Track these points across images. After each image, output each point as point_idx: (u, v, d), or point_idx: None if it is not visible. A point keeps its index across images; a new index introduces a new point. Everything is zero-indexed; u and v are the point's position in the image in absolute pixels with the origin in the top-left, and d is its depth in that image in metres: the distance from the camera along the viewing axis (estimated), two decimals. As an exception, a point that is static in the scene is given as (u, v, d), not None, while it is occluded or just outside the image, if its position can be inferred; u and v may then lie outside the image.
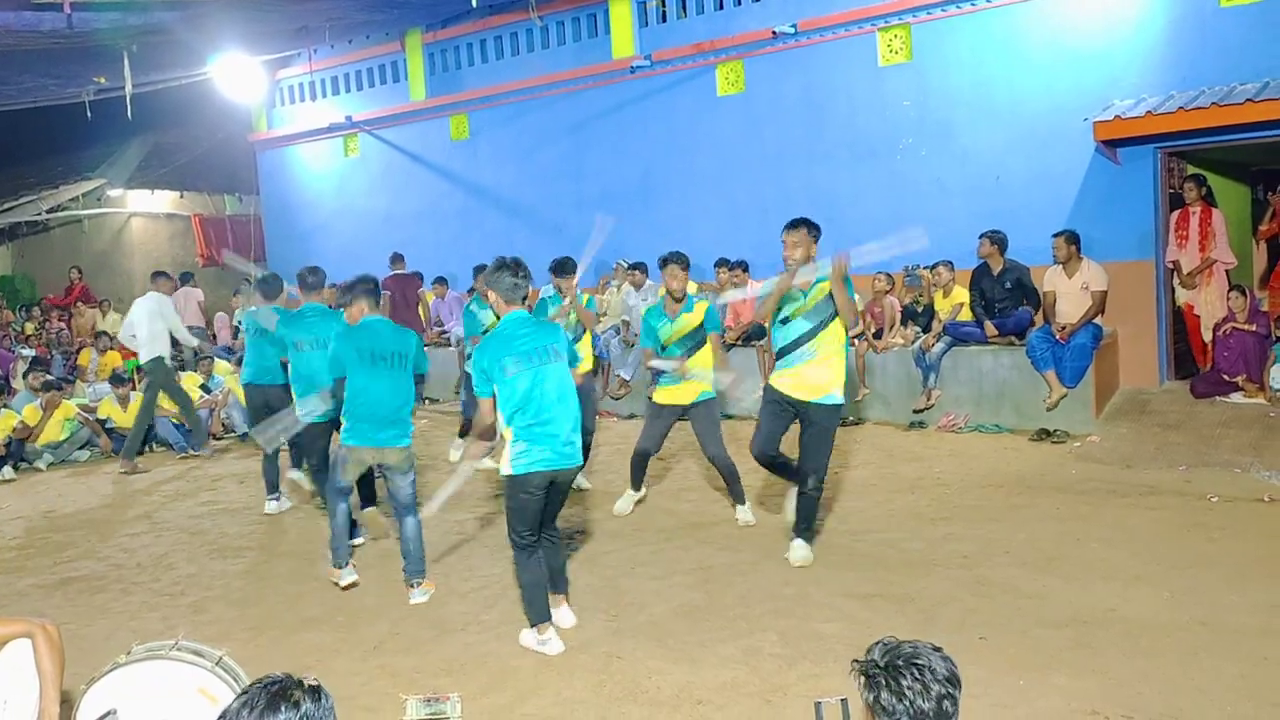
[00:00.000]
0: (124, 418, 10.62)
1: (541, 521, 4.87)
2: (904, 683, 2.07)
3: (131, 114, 11.05)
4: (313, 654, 4.94)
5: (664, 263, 6.84)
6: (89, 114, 12.10)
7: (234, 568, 6.44)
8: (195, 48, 11.48)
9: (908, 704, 2.06)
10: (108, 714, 3.28)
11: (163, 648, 3.46)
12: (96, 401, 11.18)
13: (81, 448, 10.58)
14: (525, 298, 4.89)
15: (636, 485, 7.14)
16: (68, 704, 3.47)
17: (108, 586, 6.21)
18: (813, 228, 5.66)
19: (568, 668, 4.56)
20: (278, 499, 7.80)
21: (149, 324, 9.84)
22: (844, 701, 2.24)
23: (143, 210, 19.05)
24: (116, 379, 10.95)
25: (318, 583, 6.01)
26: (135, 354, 10.47)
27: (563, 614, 5.04)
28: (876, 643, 2.20)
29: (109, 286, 18.18)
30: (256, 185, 17.15)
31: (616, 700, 4.23)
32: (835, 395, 5.62)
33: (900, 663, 2.10)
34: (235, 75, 13.36)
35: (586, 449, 6.56)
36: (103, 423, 10.72)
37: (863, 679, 2.13)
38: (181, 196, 19.28)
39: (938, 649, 2.15)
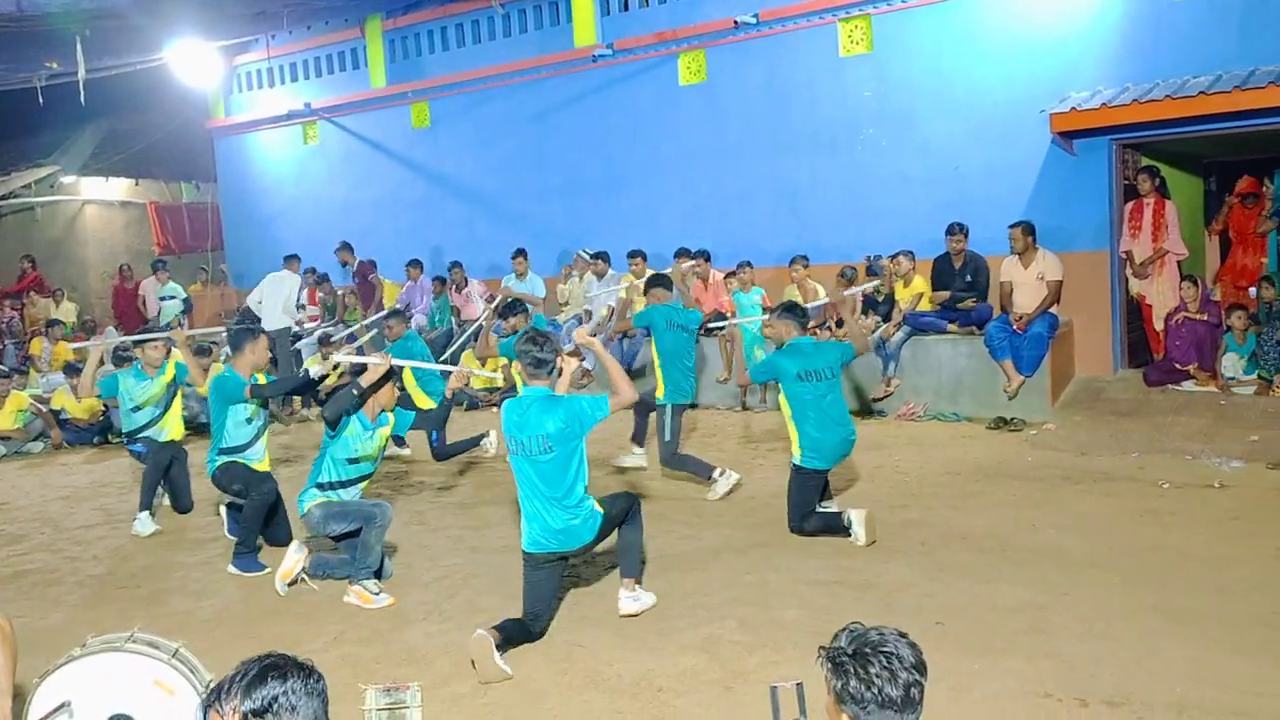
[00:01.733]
0: (77, 408, 10.46)
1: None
2: (872, 670, 2.05)
3: (85, 100, 10.88)
4: (272, 645, 4.84)
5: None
6: (41, 100, 11.88)
7: (191, 559, 6.37)
8: (151, 33, 11.30)
9: (875, 691, 2.04)
10: (61, 706, 3.24)
11: (118, 640, 3.41)
12: (50, 392, 11.00)
13: (35, 439, 10.41)
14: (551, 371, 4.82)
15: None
16: (20, 697, 3.42)
17: (62, 579, 6.12)
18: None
19: (529, 657, 4.57)
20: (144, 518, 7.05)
21: (275, 296, 11.65)
22: (799, 685, 2.26)
23: (97, 198, 18.73)
24: (70, 369, 10.77)
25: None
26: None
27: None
28: (843, 629, 2.17)
29: (62, 275, 17.86)
30: (214, 172, 16.91)
31: (578, 689, 4.24)
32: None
33: (868, 650, 2.08)
34: (192, 61, 13.17)
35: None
36: (56, 414, 10.55)
37: (830, 666, 2.11)
38: (137, 184, 18.97)
39: (904, 635, 2.13)
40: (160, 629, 4.20)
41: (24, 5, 8.14)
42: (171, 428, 7.37)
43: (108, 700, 3.30)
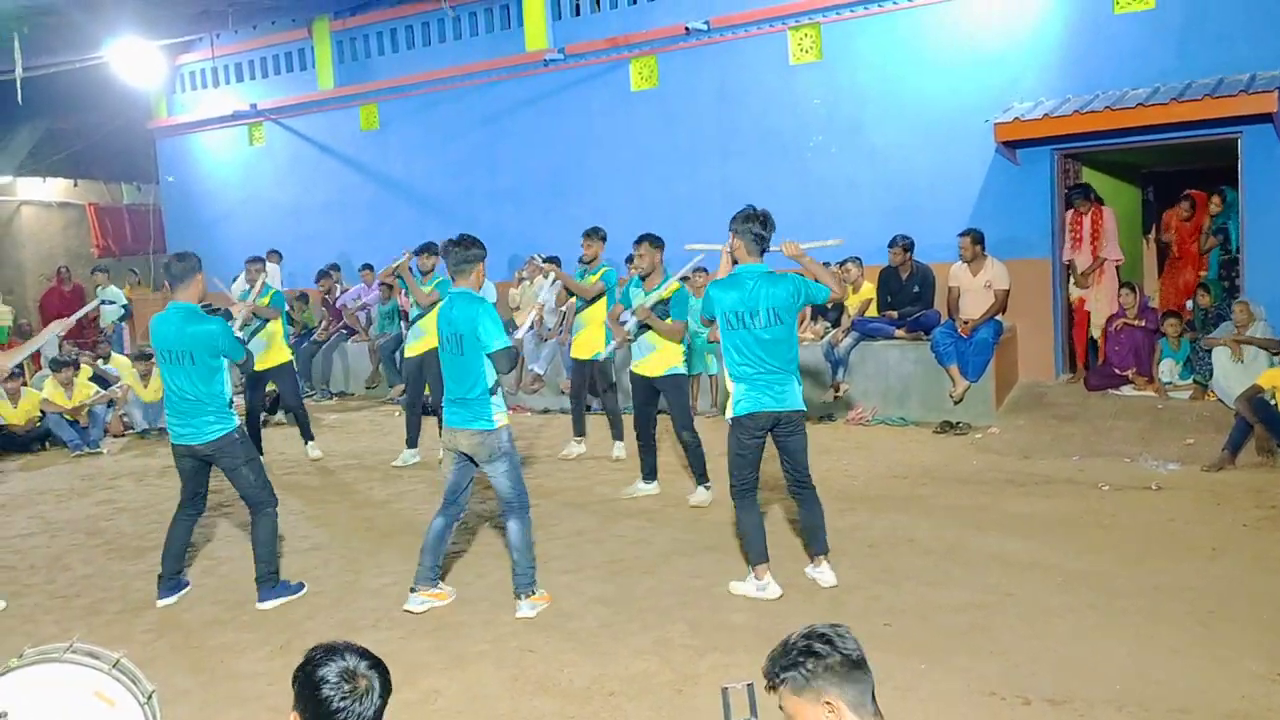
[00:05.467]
0: (13, 415, 10.20)
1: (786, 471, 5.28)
2: (824, 645, 2.18)
3: (22, 98, 10.61)
4: (216, 655, 4.83)
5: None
6: (-25, 97, 11.59)
7: (132, 569, 6.23)
8: (90, 30, 11.08)
9: (841, 655, 2.16)
10: (0, 717, 3.16)
11: (56, 650, 3.33)
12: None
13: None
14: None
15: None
16: (-46, 711, 3.32)
17: (-3, 589, 5.96)
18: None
19: (479, 662, 4.54)
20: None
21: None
22: (749, 686, 2.28)
23: (34, 199, 18.30)
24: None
25: (219, 583, 5.87)
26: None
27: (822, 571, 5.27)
28: (772, 650, 2.28)
29: (-2, 277, 17.43)
30: (156, 174, 16.59)
31: (529, 694, 4.22)
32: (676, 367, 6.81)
33: (809, 637, 2.21)
34: (133, 60, 12.92)
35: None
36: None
37: (789, 671, 2.18)
38: (75, 185, 18.57)
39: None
40: (101, 639, 4.13)
41: (-41, 0, 7.96)
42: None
43: (47, 711, 3.22)
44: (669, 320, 6.74)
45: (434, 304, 8.20)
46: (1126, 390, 9.11)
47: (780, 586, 5.14)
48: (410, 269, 8.48)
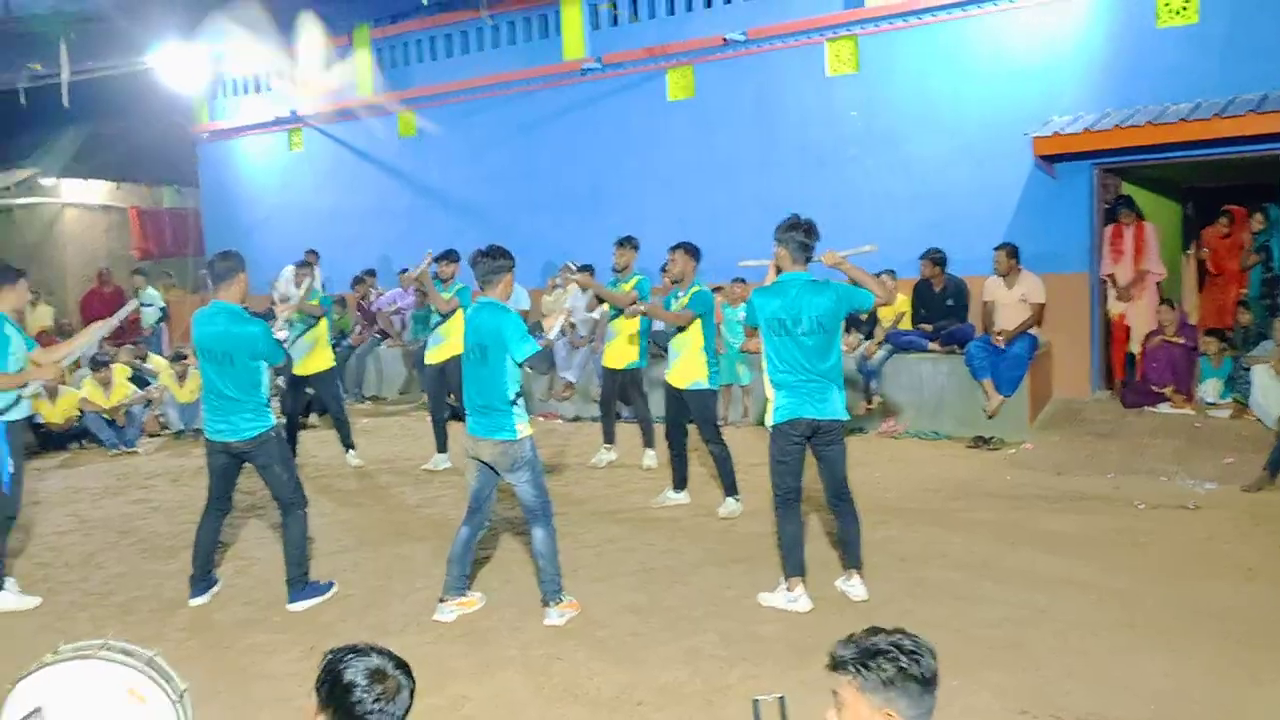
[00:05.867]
0: (51, 413, 10.35)
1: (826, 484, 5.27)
2: (904, 656, 2.17)
3: (68, 102, 10.79)
4: (247, 655, 4.87)
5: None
6: (24, 101, 11.80)
7: (166, 568, 6.30)
8: (136, 36, 11.26)
9: (918, 671, 2.14)
10: (33, 713, 3.20)
11: (91, 647, 3.37)
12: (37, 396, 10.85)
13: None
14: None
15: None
16: (-9, 704, 3.38)
17: (34, 586, 6.02)
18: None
19: (507, 669, 4.55)
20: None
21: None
22: (781, 699, 2.26)
23: (77, 201, 18.57)
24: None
25: (252, 583, 5.92)
26: None
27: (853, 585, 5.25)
28: (844, 639, 2.25)
29: (40, 278, 17.62)
30: (197, 177, 16.81)
31: (557, 701, 4.22)
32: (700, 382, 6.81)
33: (893, 642, 2.20)
34: (177, 65, 13.10)
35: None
36: (30, 418, 10.42)
37: (859, 665, 2.16)
38: (118, 187, 18.83)
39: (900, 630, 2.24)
40: (134, 637, 4.16)
41: (12, 6, 8.10)
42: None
43: (81, 708, 3.26)
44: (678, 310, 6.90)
45: (453, 311, 8.32)
46: (1164, 408, 8.99)
47: (811, 599, 5.11)
48: (431, 274, 8.52)
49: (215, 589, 5.70)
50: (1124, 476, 7.50)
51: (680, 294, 6.94)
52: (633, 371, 8.23)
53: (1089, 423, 8.93)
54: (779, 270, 5.23)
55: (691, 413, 6.97)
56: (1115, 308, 9.72)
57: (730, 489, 6.96)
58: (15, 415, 5.77)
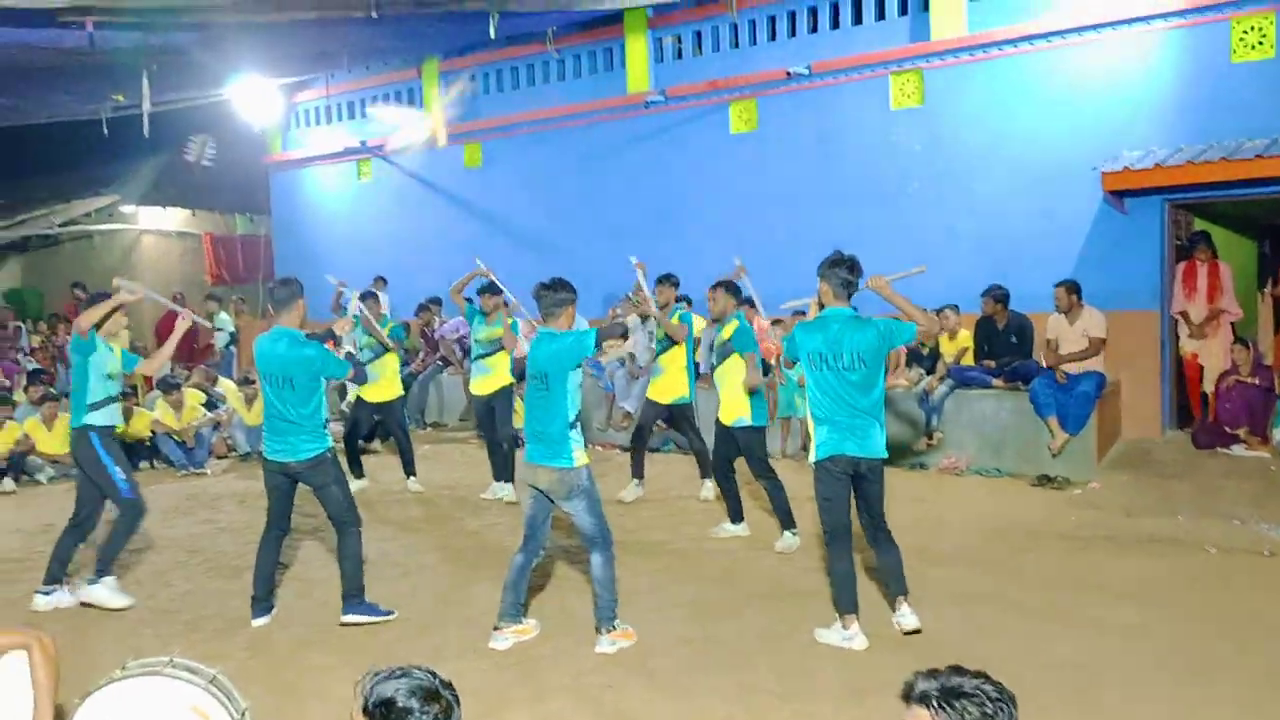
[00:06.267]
0: (125, 431, 10.62)
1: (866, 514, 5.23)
2: (988, 705, 2.13)
3: (148, 132, 11.15)
4: (309, 676, 4.93)
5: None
6: (106, 131, 12.22)
7: (231, 587, 6.43)
8: (214, 69, 11.61)
9: None
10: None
11: (157, 664, 3.46)
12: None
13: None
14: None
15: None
16: (61, 717, 3.47)
17: (104, 601, 6.19)
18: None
19: (560, 697, 4.55)
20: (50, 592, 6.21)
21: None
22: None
23: (154, 227, 19.18)
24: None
25: (313, 605, 6.01)
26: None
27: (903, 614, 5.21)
28: (921, 672, 2.23)
29: (118, 302, 18.25)
30: (269, 206, 17.27)
31: (609, 732, 4.21)
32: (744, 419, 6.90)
33: (975, 688, 2.17)
34: (252, 97, 13.50)
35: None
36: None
37: (941, 704, 2.13)
38: (193, 214, 19.41)
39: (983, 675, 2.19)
40: (198, 655, 4.25)
41: (96, 40, 8.42)
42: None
43: (145, 722, 3.34)
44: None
45: (497, 341, 8.63)
46: (1237, 449, 8.73)
47: (867, 638, 5.04)
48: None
49: (274, 612, 5.80)
50: (1195, 519, 7.29)
51: (722, 328, 7.15)
52: (682, 406, 8.20)
53: (1159, 463, 8.71)
54: (822, 305, 5.28)
55: (741, 449, 6.99)
56: (1188, 346, 9.49)
57: (786, 523, 6.92)
58: (102, 420, 6.08)
